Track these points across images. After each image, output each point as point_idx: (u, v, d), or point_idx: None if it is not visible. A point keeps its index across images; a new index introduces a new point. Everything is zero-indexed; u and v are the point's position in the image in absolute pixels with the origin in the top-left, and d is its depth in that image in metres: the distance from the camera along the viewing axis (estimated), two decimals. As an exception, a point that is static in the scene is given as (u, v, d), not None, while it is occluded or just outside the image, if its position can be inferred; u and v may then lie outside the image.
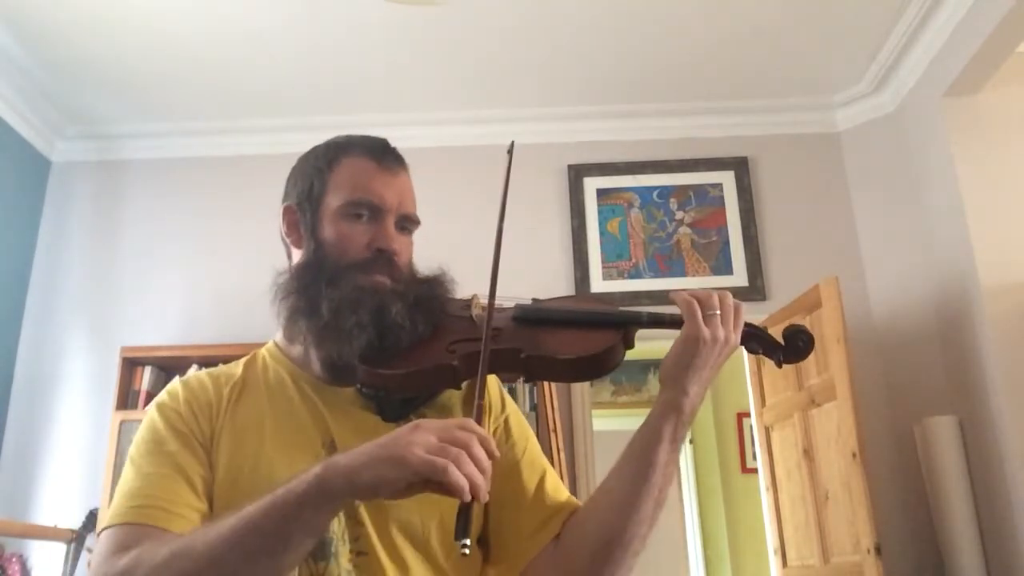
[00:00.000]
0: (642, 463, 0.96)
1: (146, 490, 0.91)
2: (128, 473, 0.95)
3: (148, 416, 1.00)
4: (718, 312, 0.96)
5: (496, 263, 1.00)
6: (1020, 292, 2.86)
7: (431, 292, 1.04)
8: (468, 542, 0.77)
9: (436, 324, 1.02)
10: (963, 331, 2.99)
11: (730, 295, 0.99)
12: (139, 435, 0.98)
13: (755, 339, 1.04)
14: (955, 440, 2.92)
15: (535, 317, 1.04)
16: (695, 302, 0.97)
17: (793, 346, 1.03)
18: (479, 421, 0.88)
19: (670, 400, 0.96)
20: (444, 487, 0.76)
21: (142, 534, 0.87)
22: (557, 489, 1.07)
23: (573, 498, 1.08)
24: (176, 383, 1.03)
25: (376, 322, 0.97)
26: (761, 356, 1.06)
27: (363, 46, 3.20)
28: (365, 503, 0.94)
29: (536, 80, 3.45)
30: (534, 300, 1.09)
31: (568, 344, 0.99)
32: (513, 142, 1.07)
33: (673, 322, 0.98)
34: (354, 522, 0.94)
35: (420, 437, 0.78)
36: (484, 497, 0.78)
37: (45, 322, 3.45)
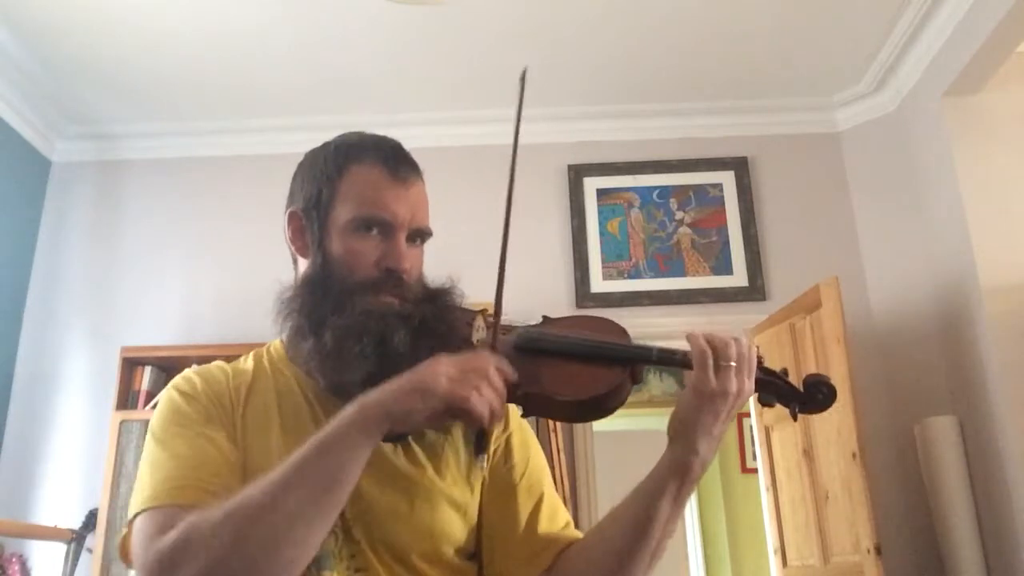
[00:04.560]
0: (643, 516, 0.93)
1: (181, 470, 0.88)
2: (157, 454, 0.91)
3: (167, 398, 0.97)
4: (733, 364, 0.89)
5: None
6: (1020, 292, 2.86)
7: (436, 313, 1.00)
8: (486, 456, 0.89)
9: (437, 349, 0.96)
10: (963, 331, 2.99)
11: (746, 342, 0.92)
12: (161, 416, 0.95)
13: (770, 388, 0.95)
14: (955, 440, 2.92)
15: (538, 347, 0.98)
16: (709, 352, 0.89)
17: (812, 397, 0.95)
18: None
19: (678, 459, 0.91)
20: (466, 414, 0.84)
21: (182, 514, 0.83)
22: (553, 517, 1.04)
23: (571, 527, 1.05)
24: (190, 372, 1.01)
25: (378, 352, 0.94)
26: (775, 406, 0.96)
27: (363, 46, 3.20)
28: (356, 522, 0.93)
29: (536, 80, 3.42)
30: (544, 318, 1.05)
31: (570, 382, 0.94)
32: (526, 68, 1.02)
33: (684, 362, 0.91)
34: (349, 539, 0.93)
35: (442, 368, 0.85)
36: (501, 418, 0.88)
37: (45, 322, 3.45)
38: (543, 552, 1.01)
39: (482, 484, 1.03)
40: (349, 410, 0.85)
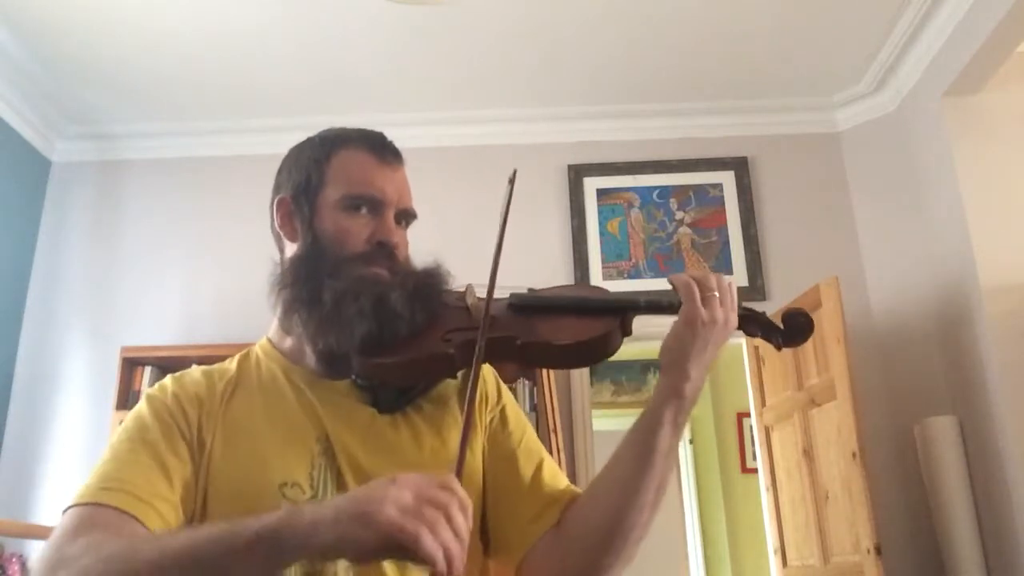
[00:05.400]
0: (644, 448, 0.95)
1: (120, 474, 0.89)
2: (105, 455, 0.93)
3: (136, 405, 0.99)
4: (717, 293, 0.95)
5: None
6: (1020, 292, 2.86)
7: (429, 281, 1.03)
8: None
9: (433, 314, 1.01)
10: (963, 331, 2.99)
11: (725, 277, 0.99)
12: (124, 422, 0.97)
13: (753, 322, 1.03)
14: (955, 440, 2.92)
15: (531, 305, 1.04)
16: (694, 284, 0.96)
17: (792, 329, 1.02)
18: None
19: (672, 385, 0.95)
20: (416, 555, 0.69)
21: (107, 518, 0.84)
22: (555, 476, 1.06)
23: (573, 486, 1.07)
24: (168, 378, 1.02)
25: (376, 311, 0.96)
26: (760, 339, 1.04)
27: (363, 46, 3.20)
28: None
29: (536, 80, 3.45)
30: (530, 290, 1.08)
31: (564, 330, 0.99)
32: (515, 171, 1.02)
33: (671, 307, 0.97)
34: None
35: (394, 493, 0.70)
36: (459, 570, 0.70)
37: (45, 322, 3.45)
38: (550, 507, 1.02)
39: (483, 452, 1.04)
40: (271, 518, 0.72)
